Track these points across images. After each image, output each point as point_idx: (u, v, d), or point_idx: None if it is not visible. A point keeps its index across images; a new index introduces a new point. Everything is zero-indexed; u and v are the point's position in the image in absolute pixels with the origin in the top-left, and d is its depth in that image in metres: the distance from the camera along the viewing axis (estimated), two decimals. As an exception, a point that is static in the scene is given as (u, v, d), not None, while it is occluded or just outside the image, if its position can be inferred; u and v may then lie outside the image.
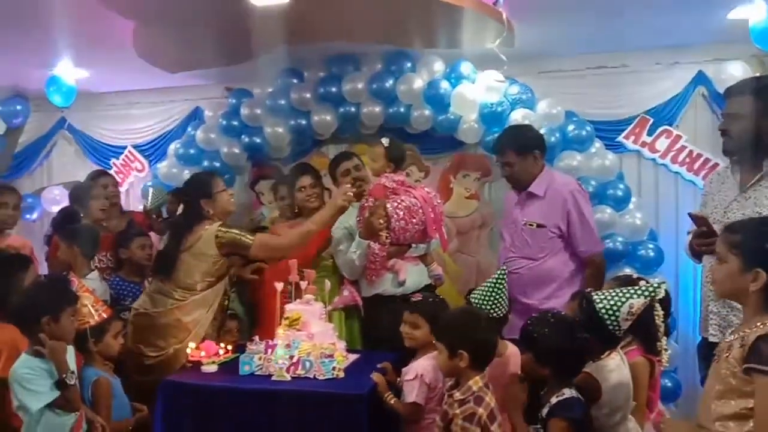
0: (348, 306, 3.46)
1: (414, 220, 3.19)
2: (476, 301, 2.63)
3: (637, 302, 2.17)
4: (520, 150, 3.12)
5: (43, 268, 3.83)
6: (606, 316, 2.18)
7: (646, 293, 2.19)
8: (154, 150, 5.03)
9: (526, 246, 3.12)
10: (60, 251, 3.57)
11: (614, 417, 2.23)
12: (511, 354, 2.56)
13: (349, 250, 3.40)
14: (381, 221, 3.14)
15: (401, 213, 3.17)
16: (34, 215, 5.06)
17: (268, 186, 4.90)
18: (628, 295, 2.18)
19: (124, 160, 5.11)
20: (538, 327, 2.22)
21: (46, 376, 2.26)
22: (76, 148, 5.33)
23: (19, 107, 5.05)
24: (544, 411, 2.10)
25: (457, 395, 2.14)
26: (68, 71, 4.44)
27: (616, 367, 2.25)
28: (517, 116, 3.92)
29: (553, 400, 2.09)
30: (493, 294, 2.62)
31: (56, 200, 4.85)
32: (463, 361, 2.14)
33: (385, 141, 3.36)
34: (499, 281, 2.64)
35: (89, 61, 4.34)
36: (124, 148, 5.12)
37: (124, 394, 2.73)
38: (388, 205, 3.17)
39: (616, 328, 2.17)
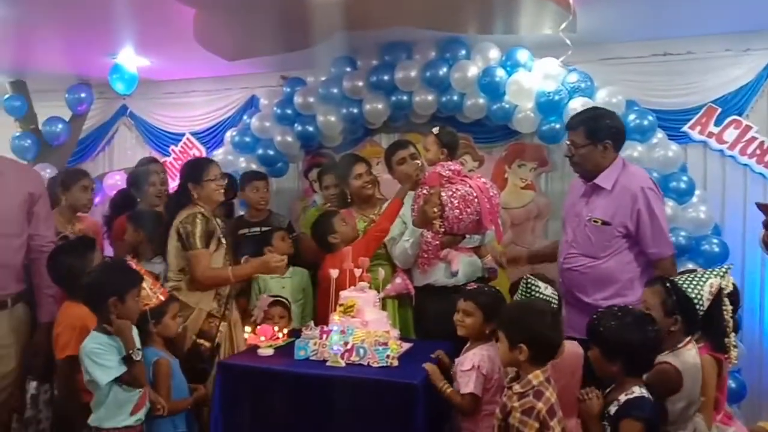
0: (400, 294, 3.46)
1: (469, 210, 3.17)
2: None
3: (715, 282, 2.19)
4: (590, 134, 2.88)
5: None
6: (693, 295, 2.16)
7: (721, 273, 2.22)
8: (211, 137, 5.13)
9: (588, 243, 2.92)
10: (127, 234, 3.67)
11: (689, 410, 2.17)
12: (569, 354, 2.47)
13: (402, 239, 3.38)
14: (435, 210, 3.13)
15: (456, 202, 3.16)
16: (96, 199, 5.22)
17: (321, 174, 4.96)
18: (706, 276, 2.19)
19: (182, 147, 5.22)
20: (606, 321, 2.16)
21: (114, 352, 2.35)
22: (136, 134, 5.50)
23: (83, 95, 5.21)
24: (612, 409, 2.04)
25: (517, 388, 2.09)
26: (130, 59, 4.57)
27: (694, 357, 2.18)
28: (576, 105, 3.80)
29: (622, 398, 2.03)
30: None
31: (117, 185, 5.01)
32: (522, 354, 2.09)
33: (435, 129, 3.36)
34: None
35: (150, 49, 4.45)
36: (183, 135, 5.24)
37: (182, 374, 2.81)
38: (443, 194, 3.16)
39: (701, 308, 2.14)
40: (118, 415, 2.36)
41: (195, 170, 3.21)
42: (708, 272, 2.25)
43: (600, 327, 2.15)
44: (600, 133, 2.88)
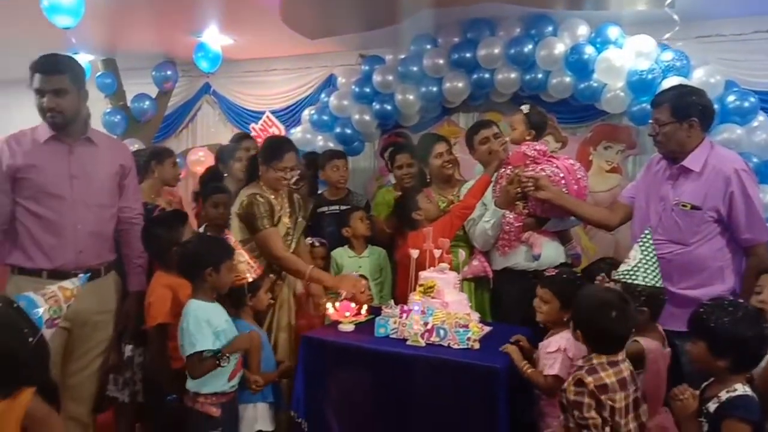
0: (477, 277, 3.42)
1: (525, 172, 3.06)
2: (626, 276, 2.45)
3: None
4: (675, 111, 2.69)
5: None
6: None
7: None
8: (290, 116, 5.22)
9: (675, 229, 2.73)
10: (203, 210, 3.77)
11: None
12: (649, 350, 2.34)
13: (482, 220, 3.32)
14: (518, 190, 3.06)
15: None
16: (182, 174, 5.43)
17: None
18: None
19: (262, 124, 5.32)
20: (717, 316, 2.02)
21: (209, 324, 2.45)
22: (218, 112, 5.66)
23: (169, 72, 5.40)
24: (711, 406, 1.94)
25: (579, 362, 2.15)
26: (214, 38, 4.67)
27: None
28: (670, 85, 3.61)
29: (723, 395, 1.92)
30: (646, 262, 2.41)
31: (200, 161, 5.18)
32: (580, 338, 2.14)
33: (525, 108, 3.25)
34: (645, 244, 2.42)
35: (234, 28, 4.54)
36: (263, 113, 5.34)
37: (269, 346, 2.88)
38: (527, 174, 3.07)
39: None
40: (215, 381, 2.45)
41: (270, 152, 3.16)
42: None
43: (710, 321, 2.02)
44: (686, 110, 2.69)
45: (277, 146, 3.20)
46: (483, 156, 3.45)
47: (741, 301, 2.14)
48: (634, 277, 2.36)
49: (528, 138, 3.21)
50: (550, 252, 3.24)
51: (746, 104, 3.62)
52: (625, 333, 2.14)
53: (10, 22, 3.73)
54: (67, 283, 2.08)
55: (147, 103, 5.38)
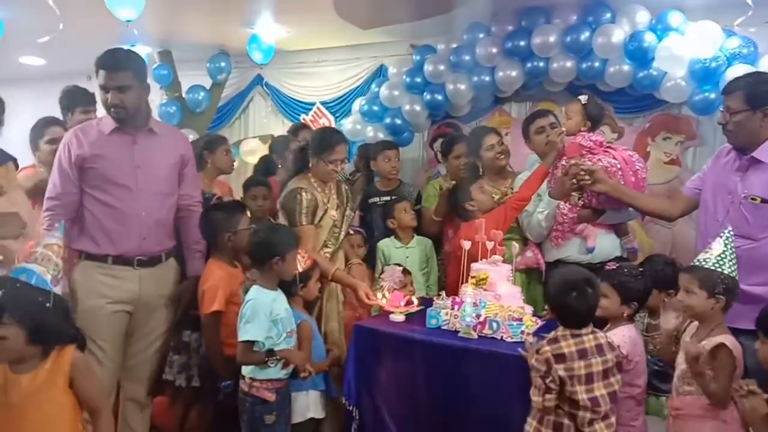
0: (530, 268, 3.37)
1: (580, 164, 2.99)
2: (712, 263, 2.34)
3: None
4: (750, 98, 2.58)
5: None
6: None
7: None
8: (340, 106, 5.24)
9: (744, 223, 2.61)
10: (246, 201, 3.83)
11: None
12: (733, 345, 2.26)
13: (536, 211, 3.27)
14: (574, 181, 3.00)
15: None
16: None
17: (447, 144, 4.90)
18: None
19: (313, 116, 5.37)
20: None
21: (268, 313, 2.49)
22: (270, 103, 5.72)
23: (222, 64, 5.49)
24: None
25: (546, 335, 2.33)
26: (267, 30, 4.72)
27: None
28: (735, 73, 3.44)
29: None
30: (729, 254, 2.33)
31: (253, 151, 5.26)
32: (548, 313, 2.45)
33: (583, 98, 3.18)
34: (728, 240, 2.35)
35: (286, 19, 4.57)
36: (313, 104, 5.38)
37: (320, 335, 2.92)
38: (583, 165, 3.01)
39: None
40: (270, 369, 2.50)
41: (320, 144, 3.15)
42: None
43: None
44: (760, 98, 2.57)
45: (329, 137, 3.20)
46: (539, 146, 3.39)
47: None
48: (718, 265, 2.28)
49: (584, 129, 3.14)
50: (605, 245, 3.17)
51: (818, 93, 3.43)
52: (586, 311, 2.27)
53: (73, 14, 3.85)
54: (48, 239, 2.15)
55: (201, 94, 5.48)
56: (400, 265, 3.44)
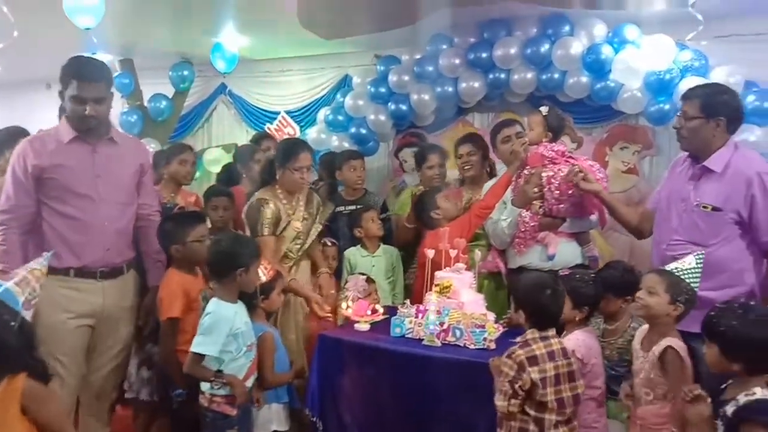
0: (492, 273, 3.41)
1: (570, 192, 3.07)
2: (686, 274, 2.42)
3: None
4: (706, 106, 2.66)
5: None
6: None
7: None
8: (305, 116, 5.23)
9: (695, 230, 2.70)
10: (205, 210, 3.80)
11: None
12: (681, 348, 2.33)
13: (499, 218, 3.32)
14: (535, 190, 3.07)
15: (557, 183, 3.08)
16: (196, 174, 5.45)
17: (411, 154, 4.94)
18: None
19: (277, 125, 5.35)
20: (727, 319, 2.01)
21: (227, 327, 2.43)
22: (234, 112, 5.69)
23: (185, 72, 5.45)
24: (729, 409, 1.92)
25: (517, 339, 2.35)
26: (231, 38, 4.70)
27: None
28: (688, 85, 3.56)
29: (741, 398, 1.90)
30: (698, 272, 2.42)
31: (216, 160, 5.21)
32: (523, 318, 2.36)
33: (544, 109, 3.25)
34: (700, 259, 2.44)
35: (250, 28, 4.56)
36: (278, 113, 5.36)
37: (283, 346, 2.90)
38: (544, 174, 3.08)
39: None
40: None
41: (284, 154, 3.22)
42: None
43: (720, 325, 2.02)
44: (715, 108, 2.66)
45: (292, 147, 3.26)
46: (504, 155, 3.46)
47: (753, 303, 2.11)
48: (687, 277, 2.37)
49: (545, 139, 3.21)
50: (566, 253, 3.22)
51: (766, 104, 3.59)
52: (557, 311, 2.35)
53: (31, 21, 3.76)
54: (34, 264, 2.10)
55: (163, 103, 5.42)
56: (364, 274, 3.45)
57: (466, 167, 3.69)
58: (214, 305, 2.48)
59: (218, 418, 2.45)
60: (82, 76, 2.61)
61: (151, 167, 3.06)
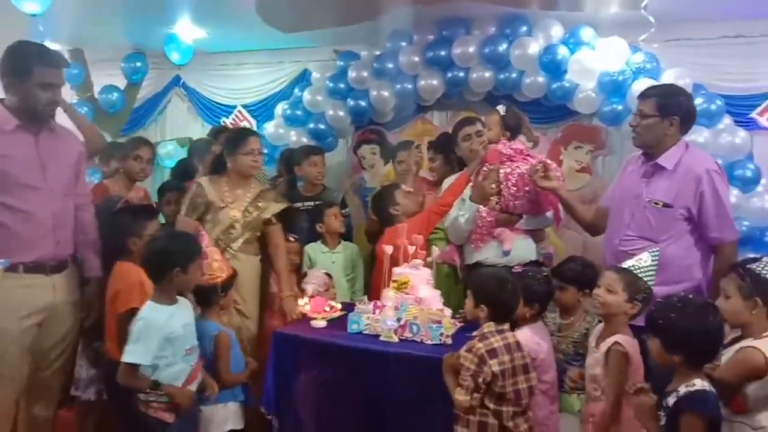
0: (446, 263, 3.41)
1: (527, 189, 3.12)
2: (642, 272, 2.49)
3: None
4: (660, 106, 2.75)
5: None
6: None
7: None
8: (262, 110, 5.14)
9: (647, 226, 2.77)
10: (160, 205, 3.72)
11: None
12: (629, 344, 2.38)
13: (458, 213, 3.34)
14: (493, 186, 3.12)
15: (513, 179, 3.13)
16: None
17: (370, 150, 4.94)
18: None
19: (233, 119, 5.26)
20: (665, 312, 2.07)
21: (159, 333, 2.31)
22: (189, 105, 5.54)
23: (138, 64, 5.26)
24: (670, 400, 1.98)
25: (474, 333, 2.40)
26: (186, 30, 4.58)
27: None
28: (640, 87, 3.66)
29: (682, 389, 1.96)
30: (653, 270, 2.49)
31: (170, 154, 5.08)
32: (483, 312, 2.38)
33: (501, 108, 3.28)
34: (655, 256, 2.50)
35: (207, 20, 4.45)
36: (234, 107, 5.27)
37: (238, 345, 2.83)
38: (501, 171, 3.14)
39: None
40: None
41: (233, 141, 3.26)
42: None
43: (660, 318, 2.07)
44: (670, 108, 2.75)
45: (239, 132, 3.34)
46: (465, 153, 3.49)
47: (692, 296, 2.18)
48: (644, 276, 2.42)
49: (503, 139, 3.25)
50: (521, 249, 3.26)
51: (713, 107, 3.71)
52: (515, 305, 2.43)
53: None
54: None
55: (115, 95, 5.23)
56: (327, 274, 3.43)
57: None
58: (146, 310, 2.35)
59: (156, 424, 2.34)
60: (49, 62, 2.53)
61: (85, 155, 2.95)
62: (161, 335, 2.31)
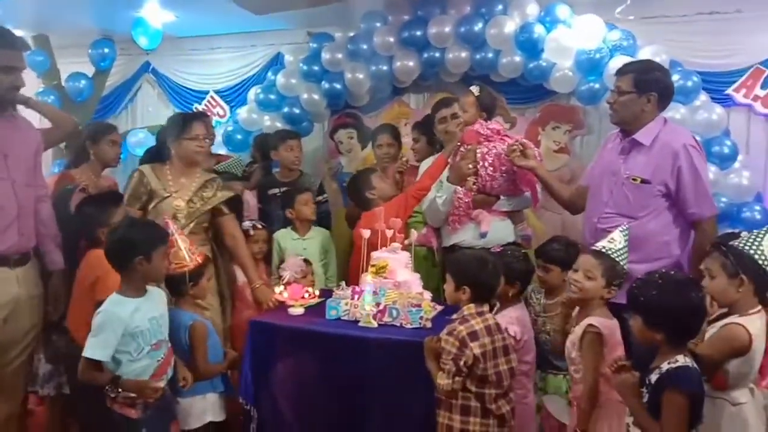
0: (423, 245, 3.37)
1: (503, 169, 3.10)
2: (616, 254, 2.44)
3: None
4: (637, 82, 2.71)
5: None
6: (752, 252, 2.08)
7: None
8: (235, 95, 5.04)
9: (625, 203, 2.75)
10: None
11: (749, 377, 2.12)
12: (604, 326, 2.35)
13: (435, 195, 3.29)
14: (470, 166, 3.09)
15: (490, 159, 3.10)
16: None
17: (347, 135, 4.86)
18: (762, 234, 2.11)
19: (206, 105, 5.15)
20: (646, 289, 2.05)
21: (120, 328, 2.21)
22: (159, 92, 5.42)
23: (106, 50, 5.13)
24: (653, 377, 1.96)
25: (454, 316, 2.34)
26: (155, 13, 4.44)
27: (762, 325, 2.11)
28: (617, 65, 3.62)
29: (665, 366, 1.94)
30: (626, 250, 2.45)
31: (141, 143, 4.96)
32: (465, 294, 2.31)
33: (475, 89, 3.24)
34: (625, 234, 2.48)
35: (176, 3, 4.32)
36: (207, 93, 5.16)
37: (215, 335, 2.76)
38: (478, 151, 3.10)
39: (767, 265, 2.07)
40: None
41: (175, 126, 3.10)
42: (763, 231, 2.15)
43: (640, 296, 2.05)
44: (647, 84, 2.71)
45: (182, 118, 3.18)
46: (441, 135, 3.45)
47: (673, 272, 2.16)
48: (619, 257, 2.39)
49: (480, 119, 3.21)
50: (499, 231, 3.23)
51: (689, 84, 3.70)
52: (496, 285, 2.36)
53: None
54: None
55: (83, 82, 5.09)
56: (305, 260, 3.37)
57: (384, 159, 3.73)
58: (108, 302, 2.25)
59: (122, 420, 2.24)
60: (7, 44, 2.44)
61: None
62: (123, 330, 2.21)
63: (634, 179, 2.71)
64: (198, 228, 3.07)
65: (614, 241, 2.43)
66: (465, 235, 3.23)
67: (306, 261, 3.33)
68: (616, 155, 2.82)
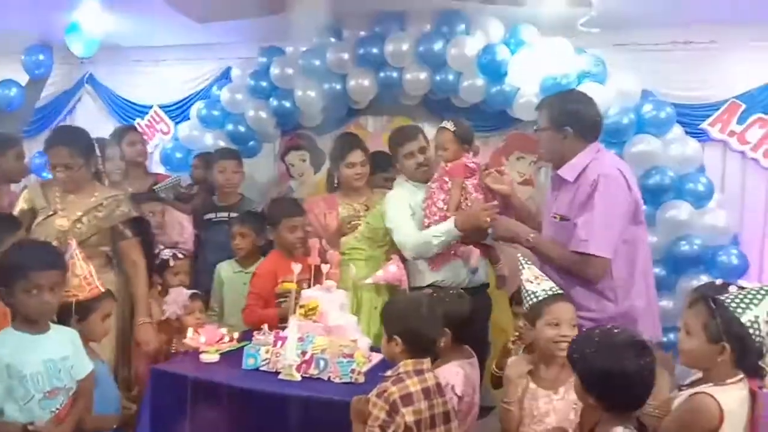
0: (393, 286, 2.92)
1: (495, 202, 2.81)
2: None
3: None
4: (551, 117, 2.49)
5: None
6: (746, 319, 1.74)
7: None
8: (180, 111, 4.68)
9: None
10: None
11: None
12: None
13: (431, 231, 2.88)
14: (487, 219, 2.73)
15: (481, 192, 2.91)
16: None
17: (299, 157, 4.52)
18: (762, 293, 1.76)
19: (149, 120, 4.78)
20: (581, 346, 1.80)
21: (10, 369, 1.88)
22: (100, 104, 5.04)
23: (42, 57, 4.76)
24: None
25: (388, 373, 2.01)
26: (93, 18, 4.07)
27: (742, 400, 1.77)
28: (585, 91, 3.38)
29: None
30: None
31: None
32: (398, 347, 2.02)
33: (449, 125, 2.97)
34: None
35: (117, 7, 3.96)
36: (150, 107, 4.79)
37: (111, 381, 2.39)
38: (468, 183, 2.90)
39: (758, 336, 1.73)
40: None
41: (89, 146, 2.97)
42: (762, 292, 1.77)
43: (574, 353, 1.80)
44: (560, 117, 2.48)
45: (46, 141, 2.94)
46: (409, 171, 3.09)
47: (617, 330, 1.82)
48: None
49: (469, 154, 2.97)
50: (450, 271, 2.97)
51: (662, 115, 3.48)
52: (434, 333, 2.07)
53: None
54: None
55: (14, 90, 4.69)
56: (198, 293, 3.08)
57: (357, 177, 3.28)
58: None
59: None
60: None
61: None
62: (6, 373, 1.86)
63: (555, 216, 2.49)
64: (93, 253, 2.69)
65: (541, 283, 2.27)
66: (447, 274, 2.96)
67: (196, 293, 3.00)
68: (551, 191, 2.62)
